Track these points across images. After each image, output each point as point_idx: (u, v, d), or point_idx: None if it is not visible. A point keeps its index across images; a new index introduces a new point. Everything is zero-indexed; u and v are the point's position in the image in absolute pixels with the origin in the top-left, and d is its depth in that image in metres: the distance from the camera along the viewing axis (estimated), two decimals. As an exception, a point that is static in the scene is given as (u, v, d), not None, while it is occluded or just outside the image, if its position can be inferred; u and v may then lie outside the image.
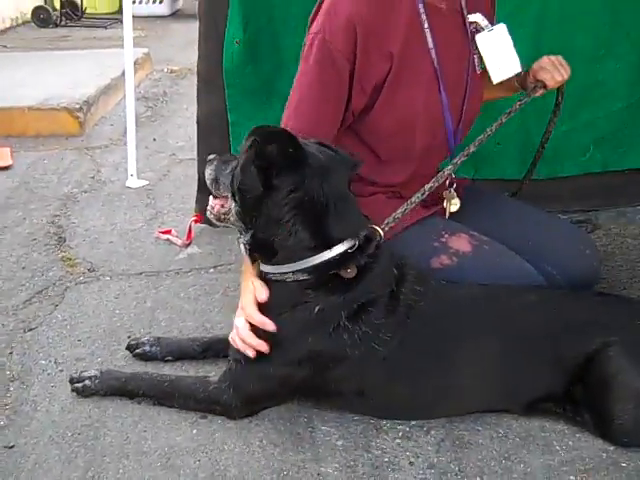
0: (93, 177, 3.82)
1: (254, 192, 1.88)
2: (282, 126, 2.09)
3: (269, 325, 1.92)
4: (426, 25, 2.14)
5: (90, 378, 2.11)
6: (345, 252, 1.89)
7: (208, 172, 2.03)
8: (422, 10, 2.13)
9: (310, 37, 2.13)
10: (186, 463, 1.86)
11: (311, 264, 1.89)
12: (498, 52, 2.22)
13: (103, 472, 1.83)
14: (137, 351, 2.29)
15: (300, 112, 2.13)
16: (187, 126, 4.33)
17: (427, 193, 2.15)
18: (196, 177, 3.14)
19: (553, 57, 2.31)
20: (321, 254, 1.89)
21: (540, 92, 2.33)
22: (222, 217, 2.01)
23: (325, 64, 2.09)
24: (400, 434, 1.95)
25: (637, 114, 3.10)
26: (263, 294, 1.95)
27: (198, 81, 3.12)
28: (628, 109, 3.10)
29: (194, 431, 1.97)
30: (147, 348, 2.28)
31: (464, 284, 2.08)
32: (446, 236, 2.20)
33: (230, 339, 2.00)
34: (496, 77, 2.25)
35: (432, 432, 1.95)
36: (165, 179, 3.83)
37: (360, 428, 1.97)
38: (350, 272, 1.90)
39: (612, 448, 1.86)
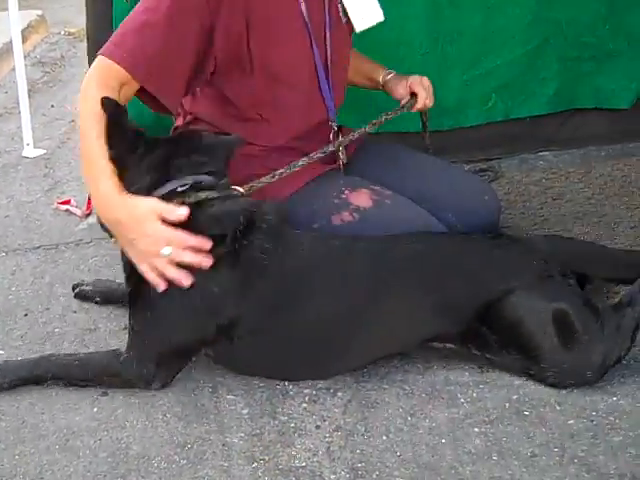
0: (-14, 148, 3.66)
1: None
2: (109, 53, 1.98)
3: (207, 242, 1.85)
4: None
5: None
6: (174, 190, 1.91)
7: None
8: None
9: None
10: (86, 444, 1.80)
11: None
12: (360, 1, 2.23)
13: (-3, 460, 1.77)
14: (76, 291, 2.37)
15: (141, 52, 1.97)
16: (86, 90, 4.16)
17: (312, 160, 2.16)
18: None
19: (428, 82, 2.40)
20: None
21: (411, 109, 2.42)
22: None
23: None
24: (307, 398, 1.92)
25: (536, 60, 3.12)
26: (183, 210, 1.85)
27: (88, 43, 2.98)
28: (527, 55, 3.11)
29: (94, 409, 1.91)
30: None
31: (341, 235, 2.07)
32: (347, 192, 2.16)
33: (147, 271, 1.86)
34: (359, 26, 2.26)
35: (339, 394, 1.93)
36: (64, 147, 3.69)
37: (266, 395, 1.94)
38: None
39: (515, 397, 1.87)
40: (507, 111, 3.20)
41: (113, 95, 1.92)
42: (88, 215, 2.95)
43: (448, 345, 1.98)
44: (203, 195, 1.91)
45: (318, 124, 2.27)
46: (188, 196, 1.90)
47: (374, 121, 2.35)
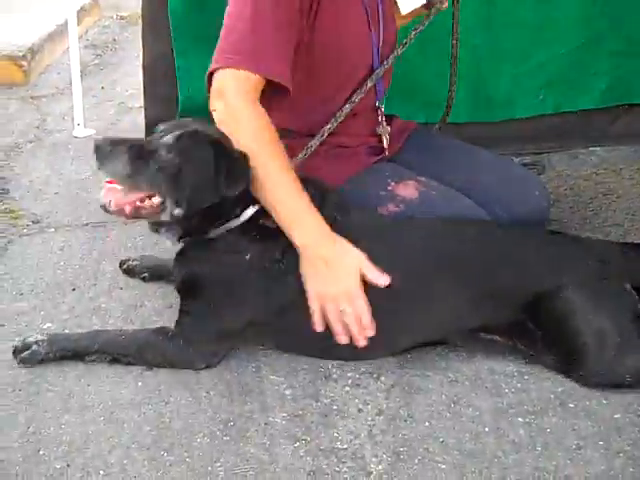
0: (38, 127, 3.69)
1: (207, 202, 1.88)
2: (222, 56, 1.94)
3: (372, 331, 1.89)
4: None
5: (37, 343, 1.97)
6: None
7: (119, 166, 1.86)
8: None
9: None
10: (130, 416, 1.82)
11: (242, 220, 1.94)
12: None
13: (44, 428, 1.79)
14: (124, 267, 2.43)
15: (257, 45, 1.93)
16: (136, 74, 4.11)
17: (354, 103, 2.15)
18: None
19: None
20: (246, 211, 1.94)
21: (445, 4, 2.36)
22: (144, 215, 1.93)
23: None
24: (350, 381, 1.93)
25: (587, 55, 3.08)
26: (386, 280, 1.87)
27: (143, 25, 3.01)
28: (580, 49, 3.07)
29: (139, 384, 1.93)
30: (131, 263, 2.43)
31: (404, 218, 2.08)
32: (392, 184, 2.15)
33: (317, 309, 1.89)
34: (404, 8, 2.25)
35: (382, 378, 1.93)
36: (113, 128, 3.71)
37: (309, 377, 1.95)
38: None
39: (560, 389, 1.85)
40: (558, 104, 3.16)
41: (255, 104, 1.91)
42: (136, 195, 2.97)
43: (495, 337, 1.96)
44: None
45: (365, 108, 2.23)
46: None
47: (405, 40, 2.29)
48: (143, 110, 3.09)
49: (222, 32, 1.98)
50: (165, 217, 1.91)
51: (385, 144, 2.28)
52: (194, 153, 1.86)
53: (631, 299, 1.93)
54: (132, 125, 3.65)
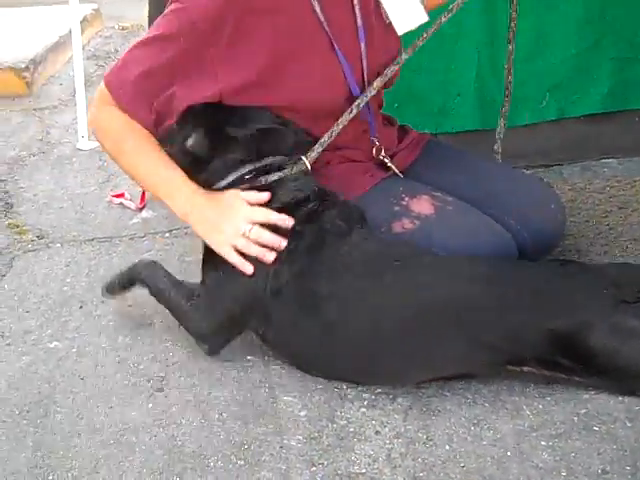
0: (42, 139, 3.65)
1: None
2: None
3: (289, 219, 1.91)
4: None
5: None
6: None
7: None
8: None
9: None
10: (141, 439, 1.77)
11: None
12: (400, 2, 2.08)
13: (53, 451, 1.74)
14: None
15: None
16: (140, 85, 4.18)
17: (360, 106, 2.06)
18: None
19: None
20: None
21: None
22: None
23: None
24: (366, 402, 1.88)
25: (589, 60, 3.08)
26: (264, 195, 1.94)
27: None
28: (580, 55, 3.07)
29: (150, 405, 1.88)
30: None
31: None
32: (407, 199, 2.10)
33: (230, 252, 1.92)
34: (401, 29, 2.09)
35: (399, 399, 1.88)
36: (117, 140, 3.67)
37: (324, 397, 1.90)
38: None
39: (583, 411, 1.80)
40: (561, 110, 3.15)
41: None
42: (142, 209, 2.93)
43: (525, 368, 1.86)
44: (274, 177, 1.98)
45: (362, 134, 2.20)
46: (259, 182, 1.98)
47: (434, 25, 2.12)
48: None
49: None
50: None
51: (388, 163, 2.23)
52: None
53: None
54: (137, 137, 3.60)
